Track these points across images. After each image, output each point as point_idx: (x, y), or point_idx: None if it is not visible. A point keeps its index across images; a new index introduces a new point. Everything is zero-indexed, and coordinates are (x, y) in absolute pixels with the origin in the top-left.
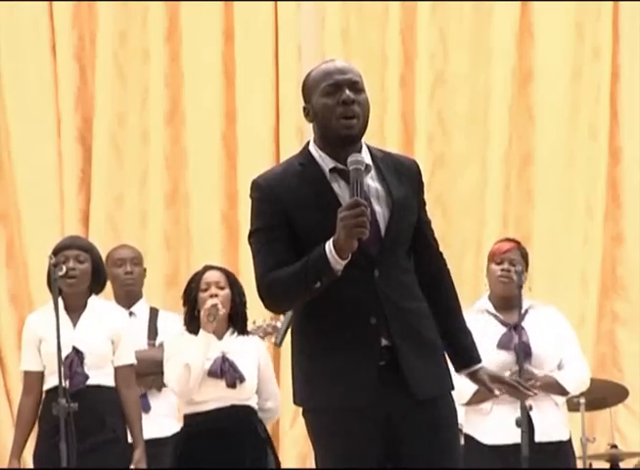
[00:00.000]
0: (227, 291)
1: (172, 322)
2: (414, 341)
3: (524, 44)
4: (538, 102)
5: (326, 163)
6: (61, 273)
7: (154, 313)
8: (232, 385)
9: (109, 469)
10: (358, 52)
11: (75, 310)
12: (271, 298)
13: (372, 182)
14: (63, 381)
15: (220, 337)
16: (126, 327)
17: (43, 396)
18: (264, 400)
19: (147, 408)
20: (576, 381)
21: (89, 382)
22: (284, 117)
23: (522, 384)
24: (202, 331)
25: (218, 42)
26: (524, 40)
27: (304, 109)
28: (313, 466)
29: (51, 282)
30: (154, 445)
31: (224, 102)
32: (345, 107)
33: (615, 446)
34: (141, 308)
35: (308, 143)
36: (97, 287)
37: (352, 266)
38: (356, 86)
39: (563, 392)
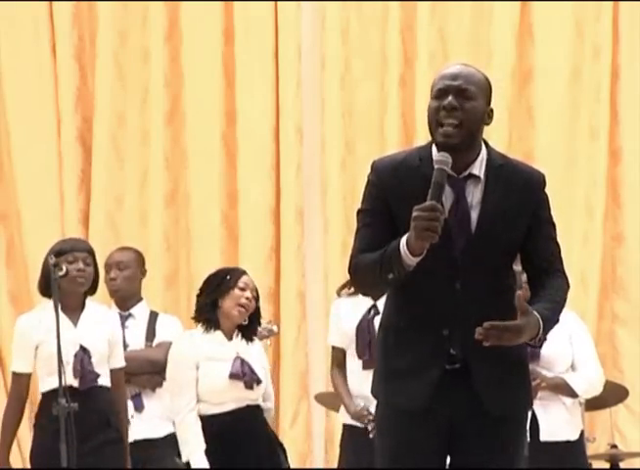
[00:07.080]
0: (254, 303)
1: (171, 325)
2: (488, 355)
3: (524, 44)
4: (538, 102)
5: None
6: (61, 273)
7: (153, 316)
8: (250, 387)
9: (108, 469)
10: (358, 52)
11: (74, 311)
12: (354, 279)
13: (476, 191)
14: (72, 379)
15: (230, 338)
16: (119, 330)
17: (39, 397)
18: (264, 401)
19: (140, 408)
20: (587, 384)
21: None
22: (284, 117)
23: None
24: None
25: (218, 42)
26: (524, 40)
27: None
28: (313, 466)
29: (50, 282)
30: (146, 446)
31: (224, 102)
32: (446, 112)
33: (615, 446)
34: (141, 311)
35: None
36: (91, 290)
37: (436, 274)
38: (464, 94)
39: (572, 393)
